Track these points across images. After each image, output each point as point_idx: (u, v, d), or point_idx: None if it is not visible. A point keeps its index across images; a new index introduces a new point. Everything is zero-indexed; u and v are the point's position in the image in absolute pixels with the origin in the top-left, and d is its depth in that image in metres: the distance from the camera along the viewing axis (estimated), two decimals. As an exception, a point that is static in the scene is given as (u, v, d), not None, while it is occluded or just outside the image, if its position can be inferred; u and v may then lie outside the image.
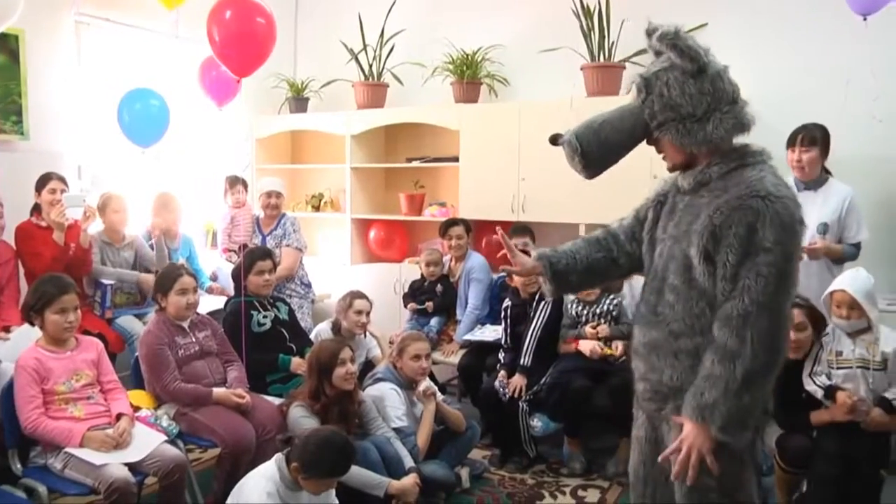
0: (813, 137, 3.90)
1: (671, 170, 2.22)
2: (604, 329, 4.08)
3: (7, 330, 3.80)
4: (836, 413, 3.14)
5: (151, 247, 4.79)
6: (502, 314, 4.32)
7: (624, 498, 3.79)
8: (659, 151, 2.20)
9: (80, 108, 5.00)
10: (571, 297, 4.21)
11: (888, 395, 3.10)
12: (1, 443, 3.11)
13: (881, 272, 3.33)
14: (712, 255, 2.00)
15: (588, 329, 4.11)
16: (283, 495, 2.67)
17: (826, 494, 3.11)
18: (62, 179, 4.41)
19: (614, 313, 4.10)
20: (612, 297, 4.14)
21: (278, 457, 2.75)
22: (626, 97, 4.81)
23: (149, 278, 4.49)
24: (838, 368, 3.22)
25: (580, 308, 4.17)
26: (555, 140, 2.30)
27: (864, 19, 3.85)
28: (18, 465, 3.06)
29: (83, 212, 4.28)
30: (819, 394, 3.21)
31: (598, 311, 4.13)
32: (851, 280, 3.21)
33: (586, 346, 4.08)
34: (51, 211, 4.23)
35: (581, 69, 5.02)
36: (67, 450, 2.97)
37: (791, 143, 3.94)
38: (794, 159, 3.92)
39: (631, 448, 2.38)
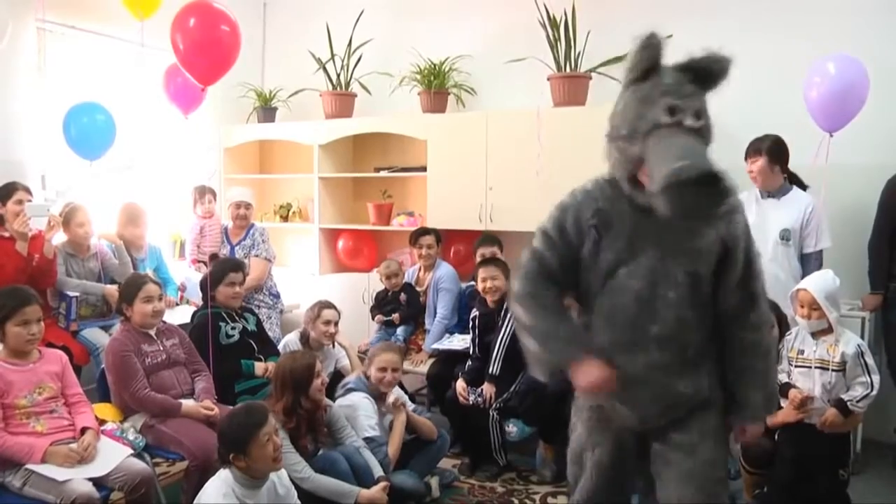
0: (757, 148, 4.09)
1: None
2: None
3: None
4: (788, 411, 3.23)
5: (114, 253, 4.72)
6: (470, 323, 4.32)
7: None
8: None
9: (43, 116, 4.92)
10: None
11: (845, 396, 3.17)
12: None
13: (844, 278, 3.39)
14: (722, 267, 2.18)
15: None
16: (240, 495, 2.66)
17: (782, 498, 3.18)
18: (27, 190, 4.35)
19: None
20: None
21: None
22: (592, 108, 4.91)
23: (114, 290, 4.42)
24: (797, 367, 3.30)
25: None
26: (714, 179, 1.94)
27: (831, 136, 3.95)
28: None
29: (47, 222, 4.21)
30: None
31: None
32: (816, 281, 3.27)
33: None
34: (13, 221, 4.17)
35: (548, 79, 5.07)
36: (28, 466, 2.90)
37: (745, 155, 4.13)
38: (747, 170, 4.10)
39: (596, 470, 2.42)
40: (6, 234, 4.21)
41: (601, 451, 2.38)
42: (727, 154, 4.44)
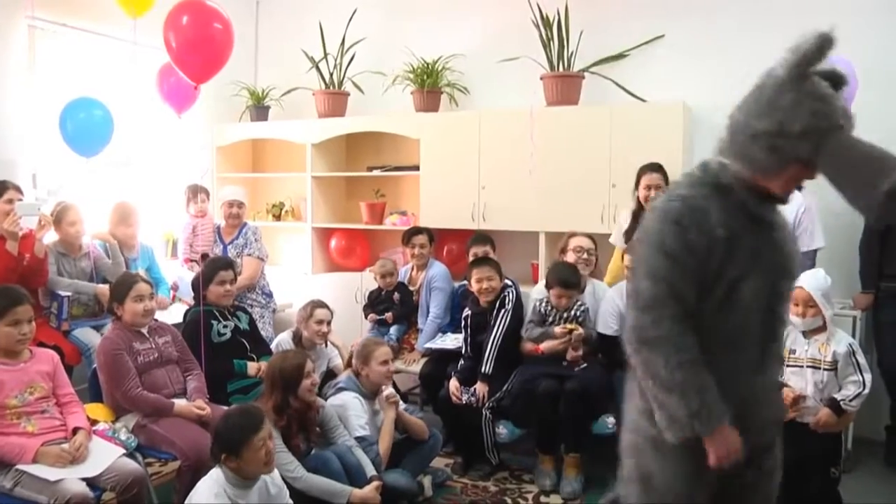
0: None
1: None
2: (578, 334, 4.02)
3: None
4: None
5: (106, 252, 4.70)
6: (462, 323, 4.32)
7: (586, 504, 3.83)
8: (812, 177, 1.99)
9: (34, 115, 4.90)
10: (540, 295, 4.23)
11: (837, 396, 3.17)
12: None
13: (834, 277, 3.40)
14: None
15: (558, 329, 4.07)
16: (232, 495, 2.66)
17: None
18: (18, 189, 4.33)
19: (580, 319, 4.12)
20: (579, 302, 4.16)
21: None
22: (585, 107, 4.92)
23: (106, 289, 4.38)
24: (789, 366, 3.28)
25: (549, 308, 4.17)
26: None
27: None
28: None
29: (38, 221, 4.19)
30: None
31: (566, 314, 4.14)
32: (810, 278, 3.26)
33: (549, 346, 4.07)
34: (3, 220, 4.14)
35: (541, 79, 5.08)
36: (19, 467, 2.89)
37: None
38: None
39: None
40: (-4, 234, 4.19)
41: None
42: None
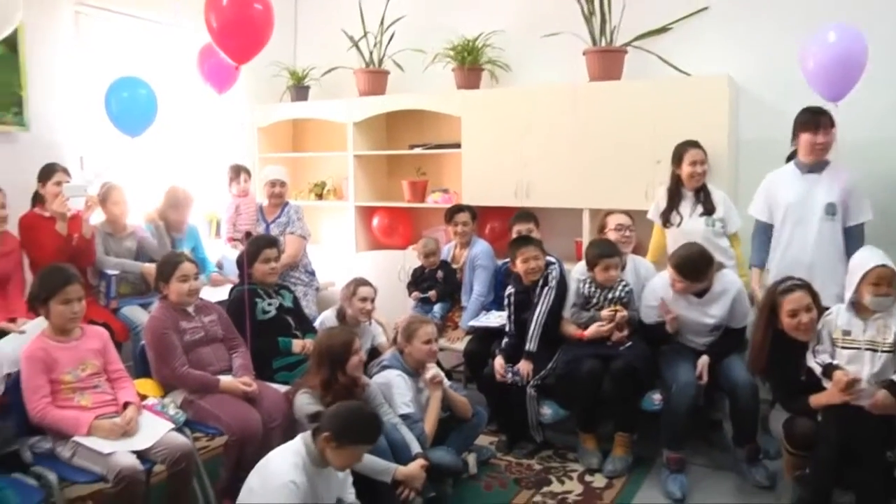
0: (832, 120, 3.87)
1: None
2: (623, 315, 3.96)
3: (13, 321, 3.79)
4: (833, 393, 3.12)
5: (153, 234, 4.77)
6: (506, 301, 4.29)
7: (631, 484, 3.80)
8: None
9: (80, 98, 4.97)
10: (582, 276, 4.17)
11: (895, 377, 3.07)
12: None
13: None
14: None
15: (605, 312, 4.01)
16: (308, 471, 2.66)
17: (825, 479, 3.10)
18: (65, 171, 4.43)
19: (625, 300, 4.05)
20: (623, 283, 4.10)
21: (304, 434, 2.75)
22: (628, 82, 4.84)
23: (152, 268, 4.43)
24: (844, 348, 3.20)
25: (592, 289, 4.11)
26: None
27: (836, 105, 3.84)
28: (29, 454, 3.06)
29: (85, 202, 4.27)
30: (818, 370, 3.20)
31: (610, 295, 4.08)
32: (883, 256, 3.16)
33: (593, 331, 4.01)
34: (53, 200, 4.23)
35: (583, 54, 5.00)
36: (75, 438, 2.97)
37: (813, 126, 3.88)
38: (814, 142, 3.88)
39: None
40: (46, 215, 4.28)
41: None
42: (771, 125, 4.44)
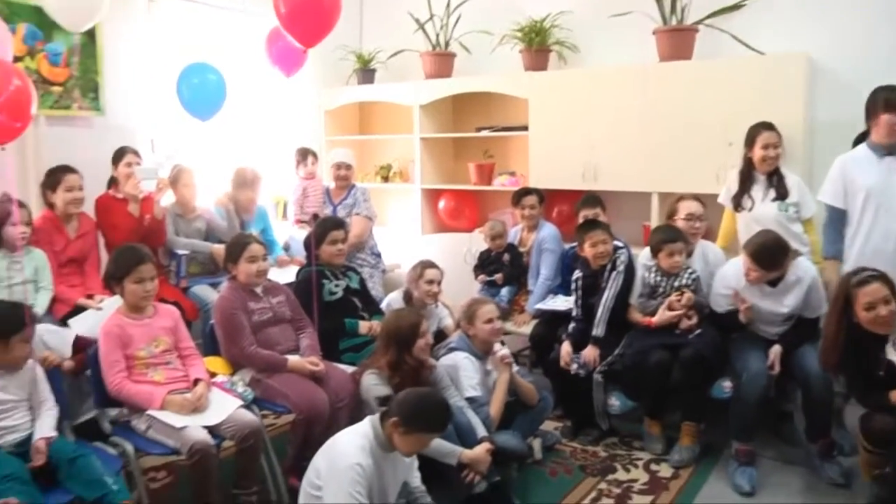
0: None
1: None
2: (690, 297, 3.88)
3: (90, 297, 3.92)
4: None
5: (222, 217, 4.85)
6: (573, 285, 4.23)
7: (697, 475, 3.72)
8: None
9: (152, 83, 5.08)
10: (650, 262, 4.08)
11: None
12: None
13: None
14: None
15: (672, 298, 3.92)
16: (375, 454, 2.66)
17: None
18: (136, 153, 4.53)
19: (692, 288, 3.95)
20: (690, 269, 4.00)
21: (372, 417, 2.75)
22: (699, 62, 4.72)
23: (221, 249, 4.53)
24: None
25: (658, 278, 4.02)
26: None
27: None
28: (108, 425, 3.18)
29: (156, 184, 4.38)
30: None
31: (676, 283, 3.99)
32: None
33: (664, 317, 3.91)
34: (126, 182, 4.34)
35: (653, 33, 4.88)
36: (149, 412, 3.05)
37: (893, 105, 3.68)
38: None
39: None
40: (120, 196, 4.39)
41: None
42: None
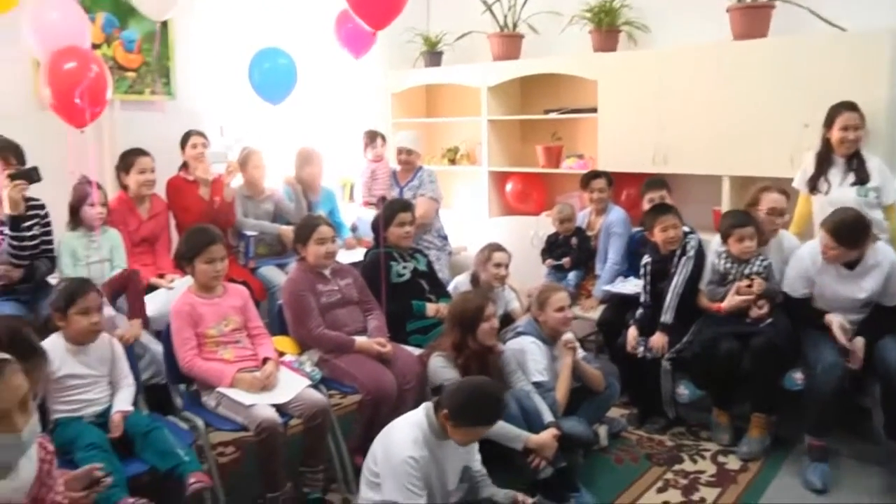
0: None
1: None
2: (760, 283, 3.77)
3: (162, 276, 4.02)
4: None
5: (290, 197, 4.91)
6: (642, 270, 4.16)
7: (767, 469, 3.62)
8: None
9: (221, 67, 5.16)
10: (721, 248, 3.97)
11: None
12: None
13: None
14: None
15: (741, 283, 3.82)
16: (430, 443, 2.66)
17: None
18: (202, 135, 4.64)
19: (763, 275, 3.83)
20: (762, 257, 3.89)
21: (427, 405, 2.75)
22: (775, 39, 4.55)
23: (289, 230, 4.59)
24: None
25: (728, 265, 3.92)
26: None
27: None
28: (180, 400, 3.27)
29: (226, 167, 4.46)
30: None
31: (747, 270, 3.87)
32: None
33: (733, 303, 3.81)
34: (197, 166, 4.44)
35: (726, 11, 4.73)
36: (219, 389, 3.11)
37: None
38: None
39: None
40: (190, 179, 4.50)
41: None
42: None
